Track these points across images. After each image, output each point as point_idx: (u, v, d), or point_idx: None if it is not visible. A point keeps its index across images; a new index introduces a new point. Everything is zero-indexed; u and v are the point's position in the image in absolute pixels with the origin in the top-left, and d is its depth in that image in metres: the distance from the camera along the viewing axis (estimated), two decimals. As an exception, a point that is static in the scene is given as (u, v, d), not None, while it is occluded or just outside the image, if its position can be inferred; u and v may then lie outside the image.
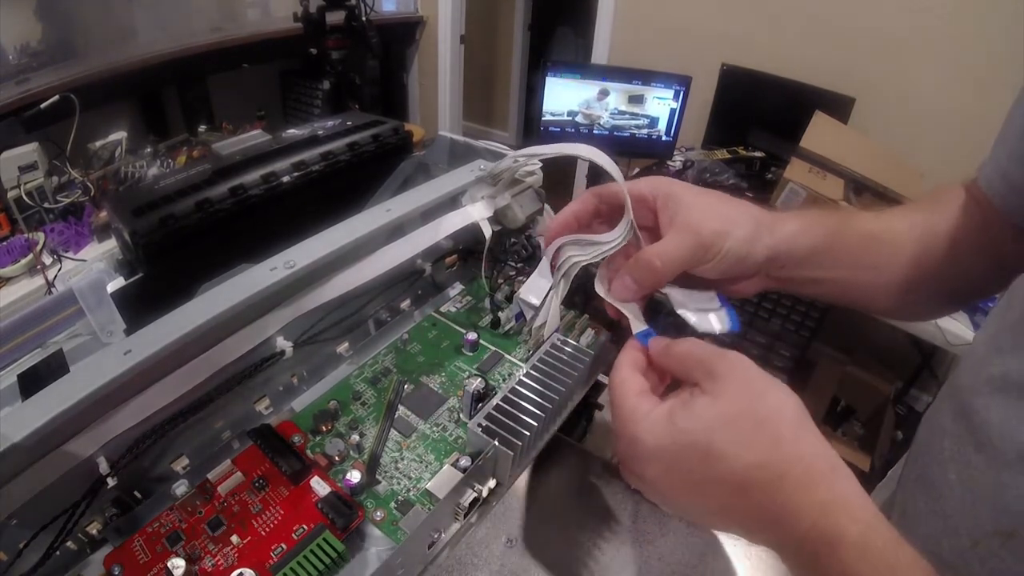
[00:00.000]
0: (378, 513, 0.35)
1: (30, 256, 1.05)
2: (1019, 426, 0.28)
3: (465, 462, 0.37)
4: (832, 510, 0.24)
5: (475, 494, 0.36)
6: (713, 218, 0.34)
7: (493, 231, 0.46)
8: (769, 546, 0.27)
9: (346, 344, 0.45)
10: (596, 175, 1.67)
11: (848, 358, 1.78)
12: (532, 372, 0.40)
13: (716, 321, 0.35)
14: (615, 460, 0.47)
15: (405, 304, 0.50)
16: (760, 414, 0.26)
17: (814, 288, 0.40)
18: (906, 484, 0.39)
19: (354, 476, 0.35)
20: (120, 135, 1.31)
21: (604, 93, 1.63)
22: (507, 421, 0.37)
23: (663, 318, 0.37)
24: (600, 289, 0.37)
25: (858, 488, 0.25)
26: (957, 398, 0.34)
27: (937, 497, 0.34)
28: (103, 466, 0.32)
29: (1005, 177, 0.37)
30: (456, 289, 0.56)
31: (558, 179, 0.55)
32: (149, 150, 1.35)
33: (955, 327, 1.29)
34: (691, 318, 0.35)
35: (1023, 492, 0.27)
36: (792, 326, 1.66)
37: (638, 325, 0.34)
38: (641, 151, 1.73)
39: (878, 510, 0.24)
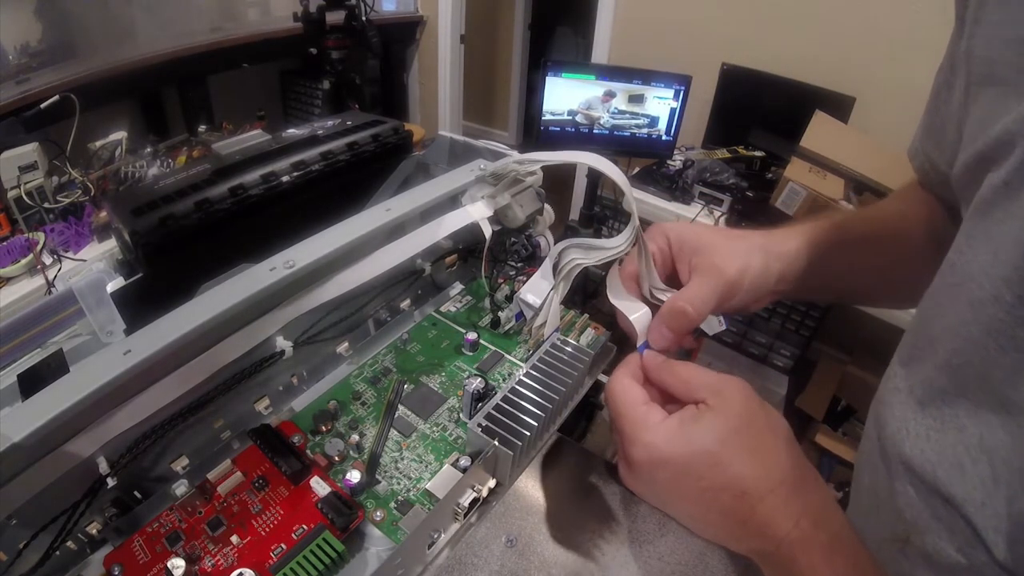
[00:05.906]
0: (378, 513, 0.35)
1: (30, 256, 1.05)
2: (905, 437, 0.29)
3: (465, 462, 0.37)
4: (810, 516, 0.27)
5: (475, 494, 0.36)
6: (732, 258, 0.36)
7: (493, 231, 0.46)
8: (752, 553, 0.30)
9: (346, 344, 0.45)
10: (596, 173, 1.67)
11: (848, 358, 1.78)
12: (532, 372, 0.40)
13: (716, 322, 0.38)
14: (615, 460, 0.47)
15: (405, 304, 0.50)
16: (761, 431, 0.29)
17: (814, 294, 0.42)
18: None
19: (354, 476, 0.35)
20: (120, 135, 1.31)
21: (610, 95, 1.62)
22: (507, 421, 0.37)
23: None
24: (612, 297, 0.38)
25: (832, 500, 0.29)
26: (875, 406, 0.35)
27: (857, 499, 0.36)
28: (103, 466, 0.32)
29: (922, 149, 0.38)
30: (456, 289, 0.56)
31: (558, 179, 0.55)
32: (149, 150, 1.35)
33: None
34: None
35: (911, 500, 0.29)
36: (792, 326, 1.66)
37: (640, 338, 0.36)
38: (641, 151, 1.73)
39: (847, 519, 0.28)
